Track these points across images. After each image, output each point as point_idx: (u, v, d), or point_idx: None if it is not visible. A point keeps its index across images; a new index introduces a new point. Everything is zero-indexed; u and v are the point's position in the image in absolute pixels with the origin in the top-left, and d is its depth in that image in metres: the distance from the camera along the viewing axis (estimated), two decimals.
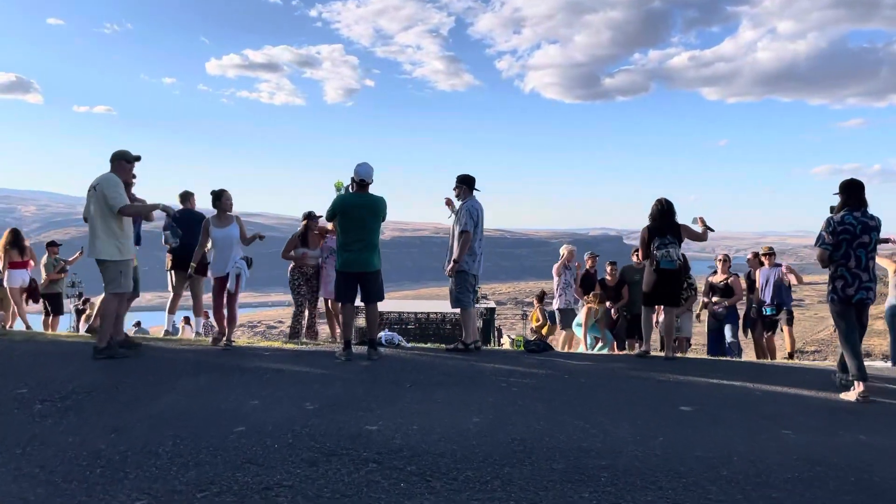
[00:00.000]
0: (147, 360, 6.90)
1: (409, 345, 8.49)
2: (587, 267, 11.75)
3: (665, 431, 4.73)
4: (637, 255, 10.29)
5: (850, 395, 6.12)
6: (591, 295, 10.76)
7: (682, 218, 8.36)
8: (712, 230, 8.09)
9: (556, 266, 11.63)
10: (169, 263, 9.63)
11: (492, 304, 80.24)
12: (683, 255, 8.46)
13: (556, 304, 11.66)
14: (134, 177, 7.41)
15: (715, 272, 10.85)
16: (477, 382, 6.12)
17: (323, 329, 10.95)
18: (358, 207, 7.14)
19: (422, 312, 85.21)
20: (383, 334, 8.48)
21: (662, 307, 8.71)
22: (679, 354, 9.19)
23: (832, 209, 6.25)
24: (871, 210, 6.21)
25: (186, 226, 8.72)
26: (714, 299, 10.52)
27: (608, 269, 11.18)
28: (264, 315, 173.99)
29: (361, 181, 7.20)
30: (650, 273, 8.00)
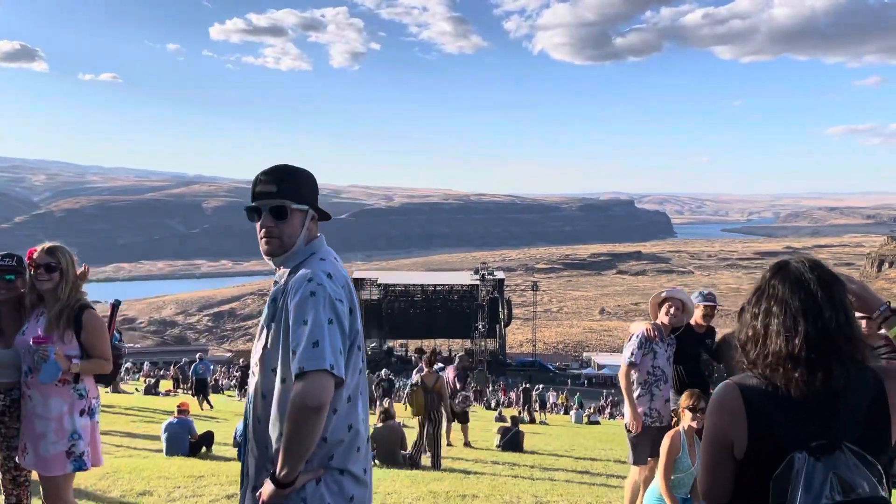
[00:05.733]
0: None
1: None
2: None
3: None
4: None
5: None
6: (685, 396, 4.86)
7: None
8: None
9: (634, 336, 5.44)
10: None
11: (500, 276, 78.68)
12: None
13: (627, 418, 5.44)
14: None
15: None
16: None
17: None
18: None
19: (429, 284, 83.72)
20: None
21: None
22: None
23: None
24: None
25: None
26: None
27: (700, 311, 5.50)
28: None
29: None
30: None
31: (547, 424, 22.37)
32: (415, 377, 10.01)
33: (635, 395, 5.33)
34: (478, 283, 62.48)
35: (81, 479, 5.03)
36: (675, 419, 4.97)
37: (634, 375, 5.34)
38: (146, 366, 44.01)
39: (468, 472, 7.39)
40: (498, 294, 65.38)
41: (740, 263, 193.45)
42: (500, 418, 21.23)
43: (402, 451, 8.36)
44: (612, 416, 37.57)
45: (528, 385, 29.52)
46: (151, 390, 24.47)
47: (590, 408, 37.17)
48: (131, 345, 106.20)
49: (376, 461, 8.15)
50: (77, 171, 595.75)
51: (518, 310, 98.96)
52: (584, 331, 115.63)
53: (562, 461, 9.69)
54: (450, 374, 11.41)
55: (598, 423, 26.06)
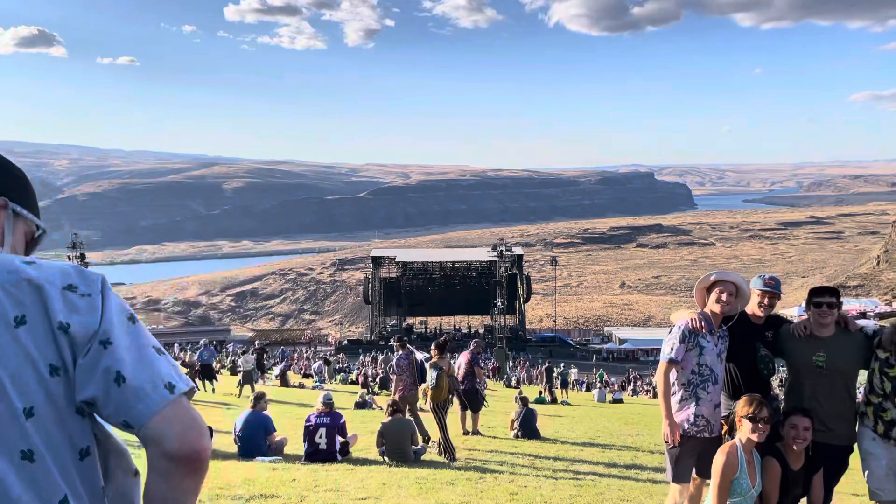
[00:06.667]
0: None
1: None
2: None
3: None
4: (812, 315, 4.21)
5: None
6: (743, 402, 3.94)
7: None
8: None
9: (676, 327, 4.37)
10: None
11: (519, 251, 78.15)
12: None
13: (665, 430, 4.27)
14: None
15: None
16: None
17: None
18: None
19: (447, 262, 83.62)
20: None
21: None
22: None
23: None
24: None
25: None
26: None
27: (757, 299, 4.38)
28: (296, 262, 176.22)
29: None
30: None
31: (569, 404, 21.79)
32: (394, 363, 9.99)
33: (676, 398, 4.30)
34: (496, 259, 61.81)
35: None
36: (725, 428, 4.17)
37: (674, 375, 4.30)
38: (176, 347, 43.87)
39: (485, 471, 6.79)
40: (517, 270, 64.80)
41: (763, 234, 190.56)
42: (521, 399, 20.71)
43: (413, 447, 7.78)
44: (634, 392, 36.98)
45: (549, 364, 28.95)
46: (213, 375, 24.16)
47: (613, 384, 36.60)
48: (156, 326, 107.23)
49: (385, 458, 7.60)
50: (98, 154, 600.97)
51: (537, 285, 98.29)
52: (604, 305, 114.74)
53: (586, 452, 9.07)
54: (463, 359, 10.88)
55: (621, 401, 25.44)
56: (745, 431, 3.83)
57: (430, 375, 8.69)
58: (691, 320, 4.26)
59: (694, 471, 4.33)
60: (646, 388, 39.69)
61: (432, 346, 9.17)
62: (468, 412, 10.72)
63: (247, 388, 18.27)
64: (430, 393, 8.70)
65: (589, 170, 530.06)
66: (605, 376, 39.12)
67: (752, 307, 4.37)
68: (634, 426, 13.56)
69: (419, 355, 10.36)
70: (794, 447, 3.90)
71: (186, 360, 23.25)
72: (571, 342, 69.78)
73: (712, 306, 4.30)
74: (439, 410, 8.59)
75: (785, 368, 4.54)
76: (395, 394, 9.80)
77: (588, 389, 34.15)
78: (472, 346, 11.28)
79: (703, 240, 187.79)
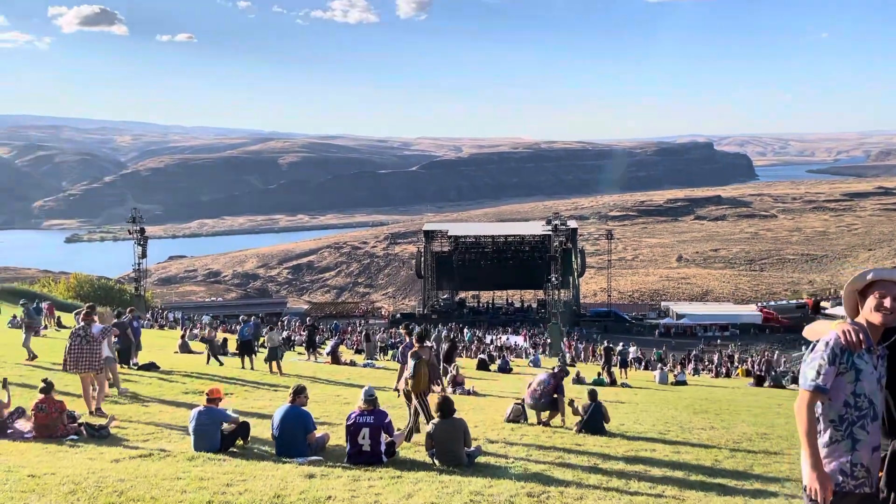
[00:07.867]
0: None
1: None
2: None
3: None
4: None
5: None
6: None
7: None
8: None
9: (822, 342, 3.22)
10: None
11: (573, 225, 76.49)
12: None
13: (807, 478, 3.14)
14: None
15: None
16: None
17: None
18: None
19: (499, 236, 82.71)
20: None
21: None
22: None
23: None
24: None
25: None
26: None
27: None
28: (350, 236, 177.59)
29: None
30: None
31: (630, 387, 20.76)
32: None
33: (824, 439, 3.18)
34: (550, 233, 60.62)
35: None
36: (880, 474, 3.11)
37: (820, 408, 3.19)
38: (241, 318, 44.38)
39: (548, 482, 5.98)
40: (571, 244, 63.43)
41: (827, 206, 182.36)
42: (578, 380, 19.80)
43: (466, 448, 7.04)
44: (696, 371, 35.56)
45: (608, 344, 27.87)
46: (218, 350, 24.03)
47: (674, 362, 35.23)
48: (215, 298, 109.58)
49: (435, 461, 6.88)
50: (160, 131, 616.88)
51: (591, 259, 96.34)
52: (660, 279, 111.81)
53: (658, 451, 8.18)
54: (545, 377, 10.66)
55: (684, 382, 24.23)
56: None
57: (409, 364, 8.21)
58: (845, 333, 3.14)
59: None
60: (707, 366, 38.19)
61: (413, 336, 8.64)
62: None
63: (282, 365, 18.06)
64: (409, 383, 8.28)
65: (645, 140, 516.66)
66: (663, 355, 37.71)
67: None
68: (705, 416, 12.54)
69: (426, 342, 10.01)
70: None
71: (205, 335, 22.98)
72: (627, 317, 68.21)
73: (870, 315, 3.21)
74: (421, 398, 8.34)
75: None
76: (398, 382, 9.36)
77: (647, 368, 32.95)
78: (556, 370, 10.83)
79: (763, 212, 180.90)
